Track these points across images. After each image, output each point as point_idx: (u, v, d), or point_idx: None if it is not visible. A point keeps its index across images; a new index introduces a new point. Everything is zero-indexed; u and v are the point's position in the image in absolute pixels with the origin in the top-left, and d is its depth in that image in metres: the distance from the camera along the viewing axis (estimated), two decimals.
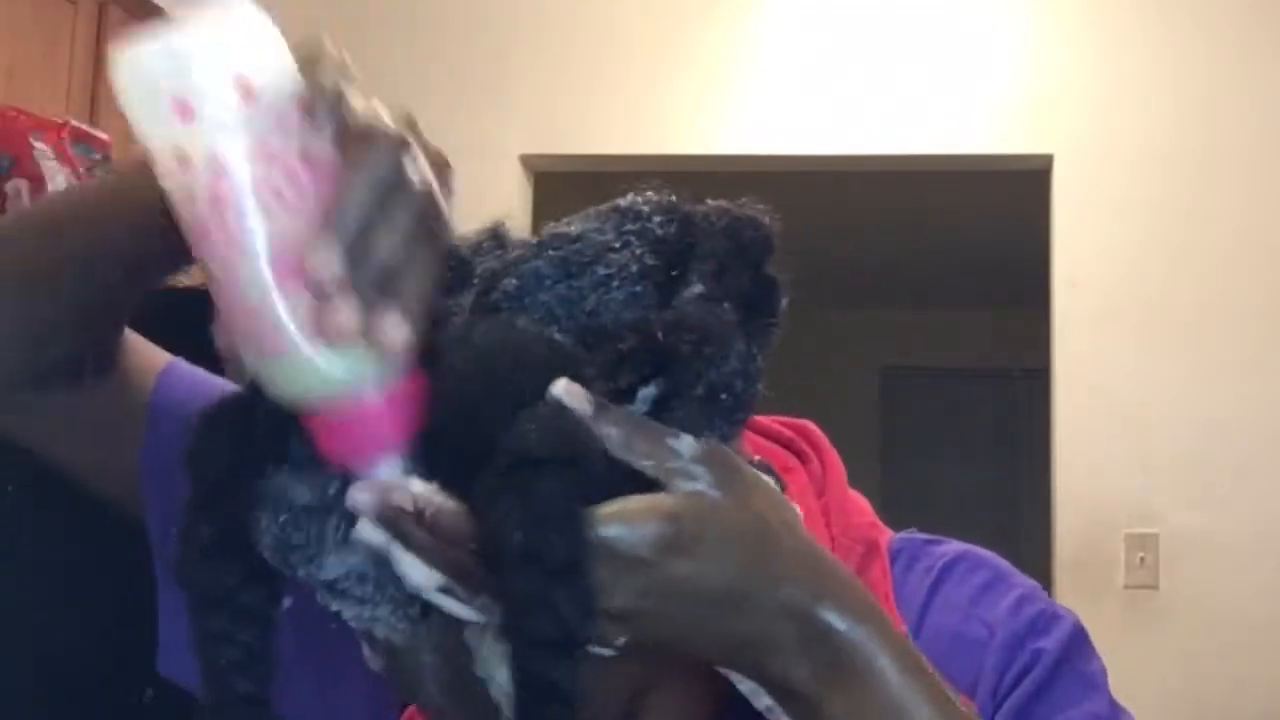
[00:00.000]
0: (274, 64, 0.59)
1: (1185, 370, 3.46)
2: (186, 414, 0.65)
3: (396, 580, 0.60)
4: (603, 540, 0.57)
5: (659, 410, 0.62)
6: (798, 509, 0.66)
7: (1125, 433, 3.46)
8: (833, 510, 0.77)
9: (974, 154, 3.66)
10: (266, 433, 0.61)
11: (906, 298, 7.19)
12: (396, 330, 0.57)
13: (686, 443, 0.61)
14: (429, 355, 0.60)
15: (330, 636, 0.67)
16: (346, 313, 0.56)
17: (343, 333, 0.56)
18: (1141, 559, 3.44)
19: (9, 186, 2.45)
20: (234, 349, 0.59)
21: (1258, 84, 3.53)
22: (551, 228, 0.66)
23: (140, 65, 0.58)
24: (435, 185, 0.60)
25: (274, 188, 0.58)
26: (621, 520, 0.58)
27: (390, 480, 0.59)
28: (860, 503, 0.79)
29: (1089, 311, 3.52)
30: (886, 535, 0.78)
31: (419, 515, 0.59)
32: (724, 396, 0.63)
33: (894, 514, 0.82)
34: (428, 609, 0.61)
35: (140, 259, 0.73)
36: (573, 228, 0.66)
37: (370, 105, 0.60)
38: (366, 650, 0.67)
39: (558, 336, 0.63)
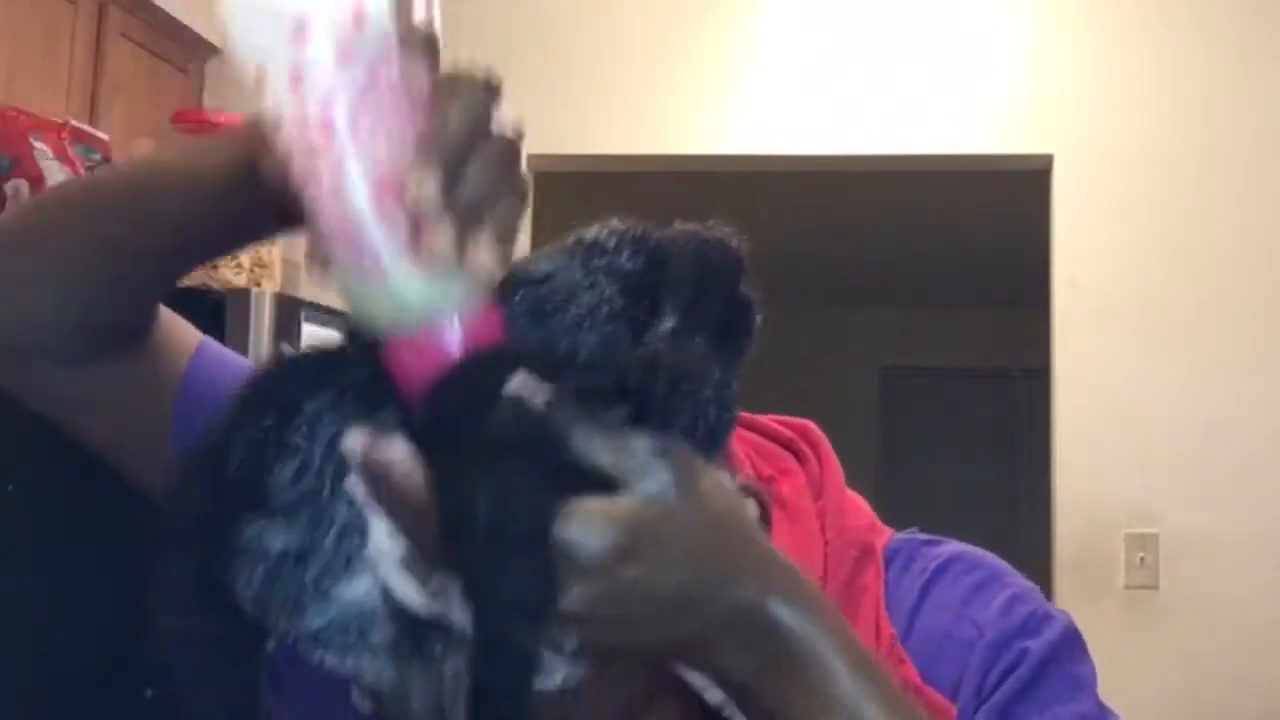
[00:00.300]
0: None
1: (1185, 370, 3.46)
2: (216, 393, 0.67)
3: (379, 628, 0.61)
4: (558, 542, 0.58)
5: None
6: (754, 508, 0.67)
7: (1125, 433, 3.46)
8: (829, 513, 0.77)
9: (974, 154, 3.65)
10: (240, 480, 0.62)
11: (906, 298, 7.20)
12: (487, 255, 0.59)
13: (645, 441, 0.61)
14: (503, 290, 0.63)
15: (319, 676, 0.67)
16: (442, 235, 0.58)
17: (437, 254, 0.58)
18: (1141, 559, 3.44)
19: (9, 186, 2.45)
20: (330, 272, 0.61)
21: (1258, 84, 3.53)
22: (519, 264, 0.66)
23: None
24: (520, 137, 0.62)
25: (377, 113, 0.60)
26: (577, 524, 0.58)
27: (382, 436, 0.60)
28: (858, 504, 0.79)
29: (1089, 311, 3.52)
30: (885, 536, 0.78)
31: (396, 476, 0.60)
32: (700, 426, 0.63)
33: (893, 514, 0.82)
34: (414, 654, 0.61)
35: (188, 232, 0.75)
36: (540, 266, 0.66)
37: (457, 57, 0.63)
38: (355, 694, 0.66)
39: None
